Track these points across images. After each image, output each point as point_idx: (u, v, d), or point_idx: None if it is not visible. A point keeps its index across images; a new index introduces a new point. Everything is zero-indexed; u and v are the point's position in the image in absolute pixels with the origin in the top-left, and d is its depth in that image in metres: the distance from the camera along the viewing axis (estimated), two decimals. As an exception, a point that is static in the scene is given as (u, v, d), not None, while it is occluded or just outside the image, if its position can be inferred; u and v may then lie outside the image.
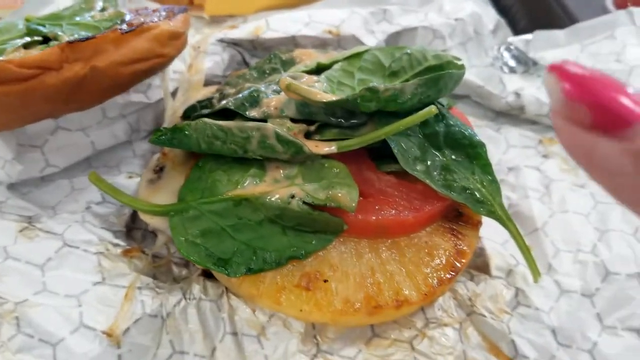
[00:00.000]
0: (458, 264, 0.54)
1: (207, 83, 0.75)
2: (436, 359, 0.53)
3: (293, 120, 0.57)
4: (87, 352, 0.51)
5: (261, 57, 0.80)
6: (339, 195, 0.52)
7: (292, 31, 0.78)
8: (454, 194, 0.54)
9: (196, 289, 0.56)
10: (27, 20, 0.66)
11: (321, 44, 0.79)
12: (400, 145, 0.55)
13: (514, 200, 0.67)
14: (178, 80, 0.73)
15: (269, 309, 0.53)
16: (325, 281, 0.52)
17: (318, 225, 0.52)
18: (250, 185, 0.54)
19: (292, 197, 0.52)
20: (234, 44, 0.79)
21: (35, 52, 0.58)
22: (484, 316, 0.56)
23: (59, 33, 0.61)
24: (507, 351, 0.54)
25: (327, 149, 0.54)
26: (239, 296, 0.55)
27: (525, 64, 0.82)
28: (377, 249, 0.54)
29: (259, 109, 0.58)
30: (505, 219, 0.54)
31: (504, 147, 0.74)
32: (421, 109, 0.54)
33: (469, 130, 0.58)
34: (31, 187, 0.65)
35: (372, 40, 0.78)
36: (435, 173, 0.55)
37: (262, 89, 0.60)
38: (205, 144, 0.55)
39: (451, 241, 0.55)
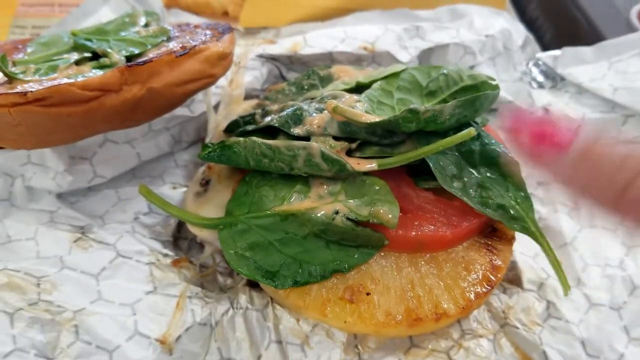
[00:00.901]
0: (493, 278, 0.56)
1: (247, 97, 0.77)
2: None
3: (335, 138, 0.59)
4: (142, 359, 0.54)
5: (298, 71, 0.83)
6: (381, 211, 0.54)
7: (329, 47, 0.81)
8: (490, 210, 0.57)
9: (243, 298, 0.59)
10: (74, 34, 0.69)
11: (356, 59, 0.82)
12: (438, 164, 0.57)
13: (543, 214, 0.70)
14: (220, 94, 0.76)
15: (314, 320, 0.56)
16: (368, 294, 0.54)
17: (360, 240, 0.55)
18: (296, 201, 0.57)
19: (336, 213, 0.55)
20: (272, 58, 0.82)
21: (87, 69, 0.61)
22: (517, 328, 0.58)
23: (108, 49, 0.64)
24: (539, 361, 0.57)
25: (368, 166, 0.57)
26: (284, 307, 0.58)
27: (553, 79, 0.85)
28: (416, 263, 0.56)
29: (303, 126, 0.60)
30: (538, 235, 0.56)
31: (532, 161, 0.77)
32: (458, 128, 0.57)
33: (503, 149, 0.60)
34: (79, 197, 0.69)
35: (405, 56, 0.81)
36: (471, 190, 0.57)
37: (305, 107, 0.62)
38: (254, 161, 0.58)
39: (487, 256, 0.58)
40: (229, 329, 0.57)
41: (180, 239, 0.68)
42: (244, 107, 0.74)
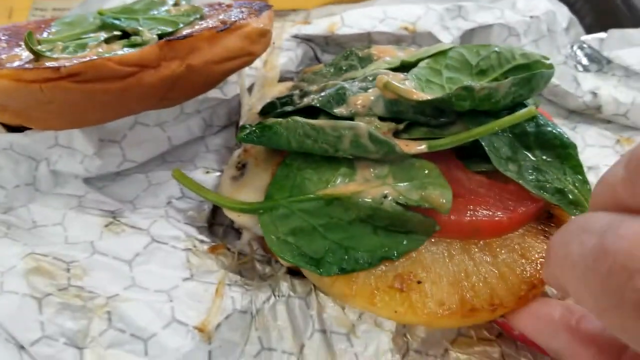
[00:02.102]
0: None
1: (281, 79, 0.74)
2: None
3: (380, 118, 0.56)
4: (179, 348, 0.51)
5: (333, 53, 0.80)
6: (433, 195, 0.51)
7: (367, 27, 0.78)
8: (548, 195, 0.53)
9: (284, 286, 0.55)
10: (100, 14, 0.66)
11: (396, 40, 0.78)
12: (492, 145, 0.54)
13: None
14: (254, 76, 0.73)
15: (361, 309, 0.53)
16: (419, 282, 0.51)
17: (410, 225, 0.52)
18: (341, 184, 0.53)
19: (385, 197, 0.52)
20: (307, 39, 0.79)
21: (117, 47, 0.58)
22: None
23: (139, 28, 0.61)
24: None
25: (418, 148, 0.54)
26: (328, 295, 0.54)
27: (599, 62, 0.81)
28: (469, 250, 0.53)
29: (346, 107, 0.57)
30: None
31: (581, 146, 0.73)
32: (512, 108, 0.54)
33: (560, 131, 0.57)
34: (106, 182, 0.66)
35: (447, 37, 0.78)
36: (527, 173, 0.54)
37: (347, 86, 0.59)
38: (296, 143, 0.55)
39: (544, 243, 0.54)
40: (270, 317, 0.54)
41: (215, 225, 0.65)
42: (279, 90, 0.71)
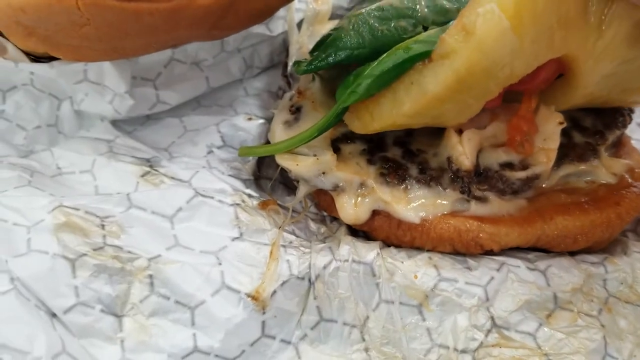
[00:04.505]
0: None
1: (332, 17, 0.66)
2: (626, 337, 0.47)
3: None
4: (231, 318, 0.45)
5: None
6: None
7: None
8: None
9: (345, 249, 0.48)
10: None
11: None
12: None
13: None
14: (304, 11, 0.65)
15: None
16: None
17: None
18: None
19: None
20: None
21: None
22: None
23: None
24: None
25: None
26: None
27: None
28: None
29: None
30: None
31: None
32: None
33: None
34: (136, 125, 0.59)
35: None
36: None
37: None
38: (369, 36, 0.49)
39: None
40: (330, 284, 0.47)
41: (262, 179, 0.58)
42: (329, 28, 0.63)
